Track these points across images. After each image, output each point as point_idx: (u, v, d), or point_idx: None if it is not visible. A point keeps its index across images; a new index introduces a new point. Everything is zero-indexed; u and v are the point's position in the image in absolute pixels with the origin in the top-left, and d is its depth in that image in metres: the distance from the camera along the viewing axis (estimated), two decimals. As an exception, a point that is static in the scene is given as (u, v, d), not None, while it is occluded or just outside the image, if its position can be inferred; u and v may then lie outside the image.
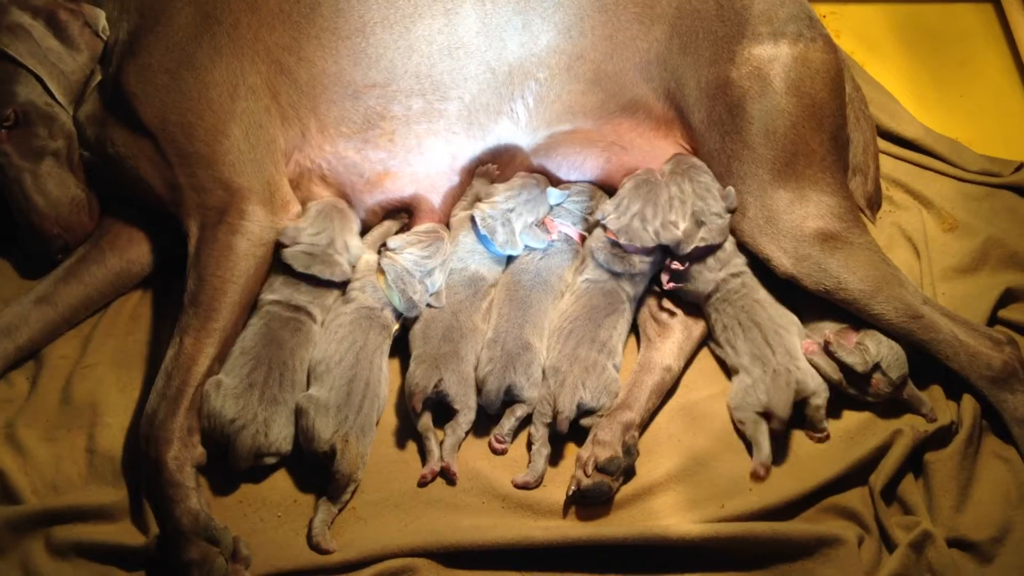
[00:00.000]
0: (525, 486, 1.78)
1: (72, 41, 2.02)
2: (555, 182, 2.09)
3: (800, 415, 1.83)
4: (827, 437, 1.83)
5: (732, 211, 1.95)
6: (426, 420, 1.82)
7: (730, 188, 1.95)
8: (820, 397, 1.82)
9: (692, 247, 1.93)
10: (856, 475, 1.78)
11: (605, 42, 2.02)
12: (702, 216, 1.94)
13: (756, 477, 1.77)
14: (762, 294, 1.92)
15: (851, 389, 1.85)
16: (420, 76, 2.00)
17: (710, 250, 1.94)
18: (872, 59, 2.51)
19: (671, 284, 1.94)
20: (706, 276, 1.95)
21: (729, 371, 1.93)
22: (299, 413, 1.78)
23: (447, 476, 1.79)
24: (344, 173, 2.02)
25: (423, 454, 1.82)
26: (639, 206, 1.95)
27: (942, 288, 2.04)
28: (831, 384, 1.84)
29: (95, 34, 2.04)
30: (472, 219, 2.01)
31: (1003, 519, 1.73)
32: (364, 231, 2.05)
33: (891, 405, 1.88)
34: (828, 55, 2.01)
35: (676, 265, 1.94)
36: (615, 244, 1.94)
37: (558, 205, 2.06)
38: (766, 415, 1.81)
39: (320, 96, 1.98)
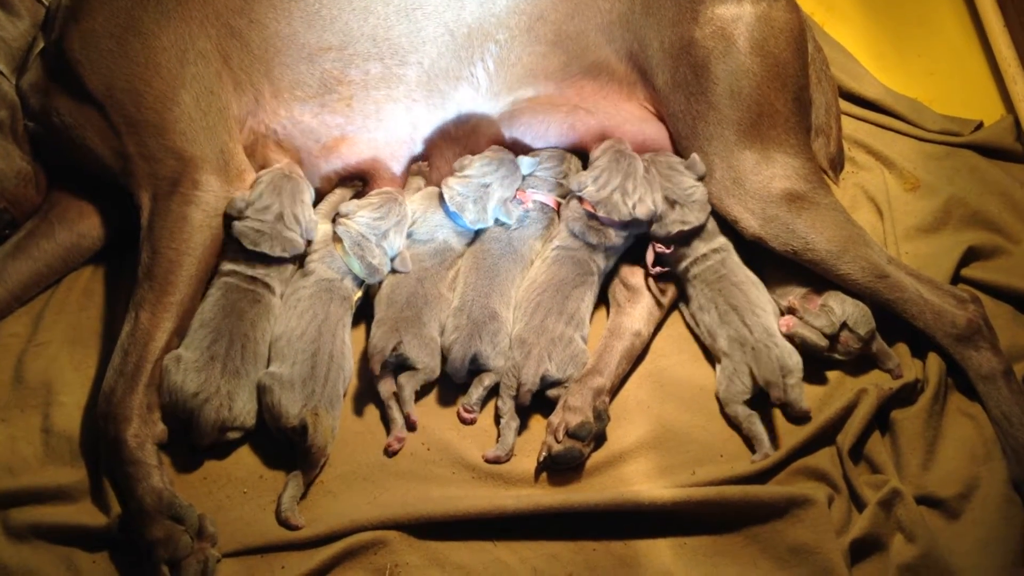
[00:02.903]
0: (496, 460, 1.77)
1: (11, 7, 1.96)
2: (523, 151, 2.06)
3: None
4: (809, 415, 1.81)
5: (702, 178, 1.93)
6: (388, 386, 1.79)
7: (693, 156, 1.93)
8: (795, 376, 1.81)
9: (676, 230, 1.90)
10: (824, 436, 1.79)
11: (566, 2, 1.99)
12: (673, 195, 1.92)
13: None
14: (741, 276, 1.90)
15: (829, 353, 1.85)
16: (377, 39, 1.96)
17: (696, 232, 1.92)
18: (832, 19, 2.50)
19: (657, 268, 1.92)
20: (685, 251, 1.93)
21: (708, 349, 1.92)
22: (262, 391, 1.75)
23: (408, 422, 1.77)
24: (300, 139, 1.98)
25: (386, 423, 1.80)
26: (620, 179, 1.92)
27: (905, 248, 2.06)
28: (817, 351, 1.84)
29: (36, -1, 1.97)
30: (441, 197, 1.96)
31: (969, 475, 1.75)
32: (319, 200, 2.01)
33: (855, 365, 1.89)
34: (790, 14, 2.00)
35: (660, 248, 1.92)
36: (591, 216, 1.92)
37: (530, 175, 2.02)
38: (763, 391, 1.79)
39: (273, 60, 1.93)
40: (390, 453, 1.77)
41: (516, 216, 1.96)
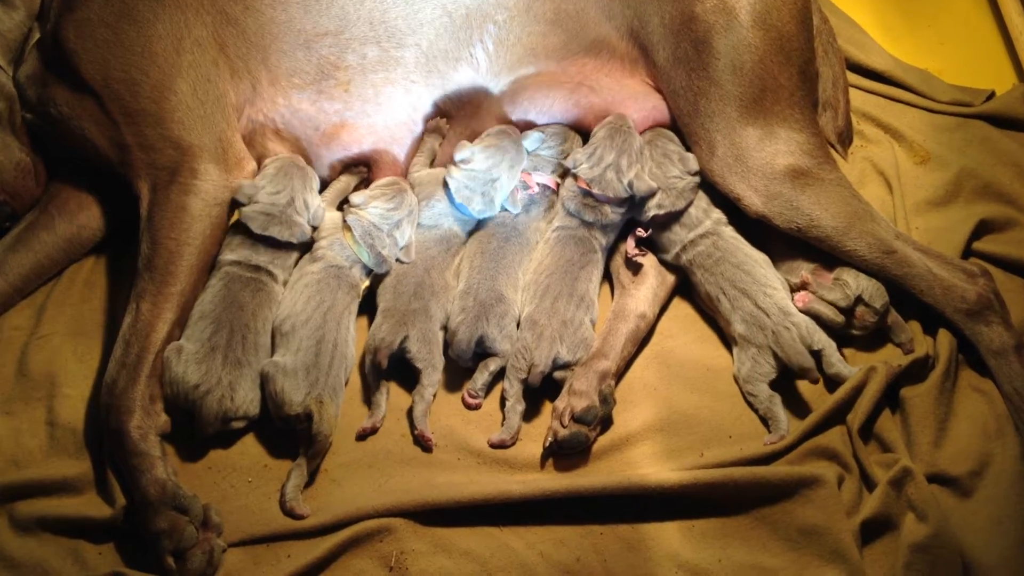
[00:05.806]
0: (501, 444, 1.76)
1: (7, -2, 1.95)
2: (528, 127, 2.03)
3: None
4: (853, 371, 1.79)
5: (694, 174, 1.91)
6: (381, 373, 1.79)
7: (689, 155, 1.91)
8: (828, 348, 1.78)
9: (652, 214, 1.89)
10: (834, 416, 1.77)
11: (565, -20, 1.96)
12: (657, 181, 1.90)
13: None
14: (740, 256, 1.87)
15: (844, 328, 1.83)
16: (374, 23, 1.94)
17: (673, 217, 1.90)
18: (839, -11, 2.46)
19: (636, 251, 1.91)
20: (671, 238, 1.91)
21: (717, 329, 1.90)
22: (265, 379, 1.74)
23: (422, 443, 1.76)
24: (299, 126, 1.96)
25: (369, 403, 1.79)
26: (613, 156, 1.90)
27: (916, 222, 2.02)
28: (832, 327, 1.81)
29: (31, -11, 1.96)
30: (445, 184, 1.94)
31: (982, 452, 1.73)
32: (323, 188, 2.00)
33: (865, 342, 1.86)
34: (794, -15, 1.96)
35: (640, 232, 1.91)
36: (587, 194, 1.90)
37: (535, 153, 2.00)
38: (787, 370, 1.78)
39: (270, 46, 1.92)
40: (362, 437, 1.76)
41: (522, 203, 1.94)
